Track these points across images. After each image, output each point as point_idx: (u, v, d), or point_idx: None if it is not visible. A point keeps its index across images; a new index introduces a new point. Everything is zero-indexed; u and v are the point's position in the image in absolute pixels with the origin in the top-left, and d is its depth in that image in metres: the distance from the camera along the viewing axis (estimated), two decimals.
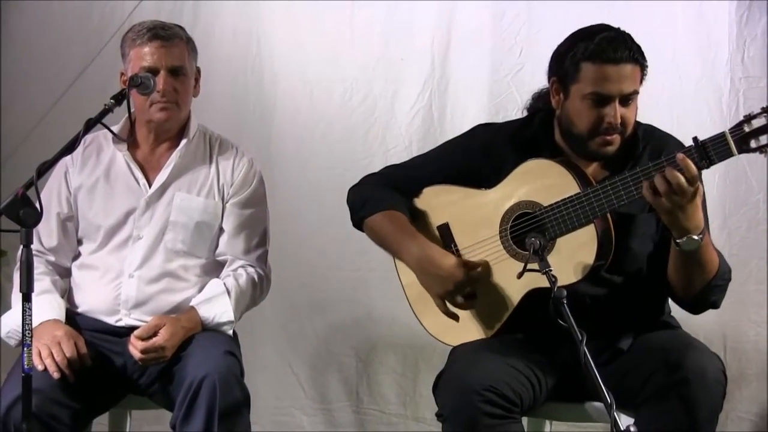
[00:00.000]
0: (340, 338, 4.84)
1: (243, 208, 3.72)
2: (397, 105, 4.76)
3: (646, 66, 3.20)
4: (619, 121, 3.18)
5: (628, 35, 3.20)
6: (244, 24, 4.88)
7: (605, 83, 3.16)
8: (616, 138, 3.22)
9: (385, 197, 3.51)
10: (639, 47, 3.18)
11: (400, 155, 4.57)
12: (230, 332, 3.62)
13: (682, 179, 2.92)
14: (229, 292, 3.61)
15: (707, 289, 3.18)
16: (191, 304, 3.60)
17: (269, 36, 4.87)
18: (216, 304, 3.59)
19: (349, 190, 3.61)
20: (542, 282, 2.99)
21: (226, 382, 3.32)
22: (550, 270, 2.91)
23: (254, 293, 3.70)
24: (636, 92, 3.19)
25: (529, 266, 3.05)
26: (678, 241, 3.04)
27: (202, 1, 4.87)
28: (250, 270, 3.70)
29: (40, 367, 3.36)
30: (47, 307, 3.53)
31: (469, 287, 3.29)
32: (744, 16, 4.34)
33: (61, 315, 3.56)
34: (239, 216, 3.70)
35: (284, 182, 4.77)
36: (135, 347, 3.45)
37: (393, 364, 4.76)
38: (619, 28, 3.22)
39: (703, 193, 3.16)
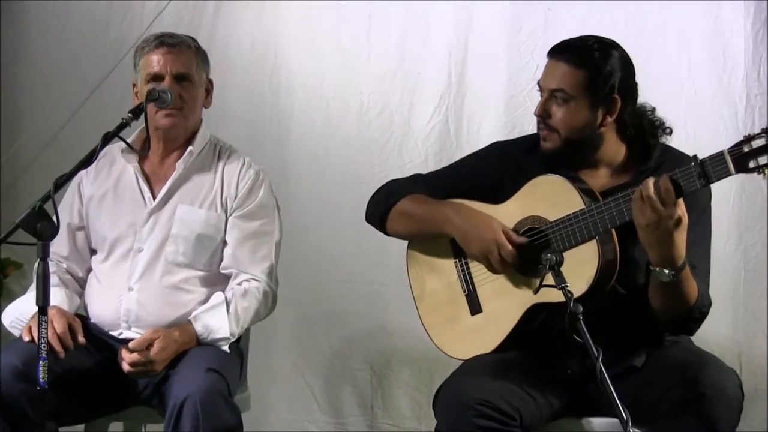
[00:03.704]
0: (354, 351, 4.83)
1: (248, 221, 3.68)
2: (413, 119, 4.75)
3: (600, 79, 3.25)
4: (539, 112, 3.31)
5: (596, 45, 3.30)
6: (261, 36, 4.90)
7: (541, 75, 3.34)
8: (548, 135, 3.31)
9: (411, 187, 3.57)
10: (598, 57, 3.26)
11: (416, 169, 4.54)
12: (226, 348, 3.55)
13: (653, 193, 2.94)
14: (228, 307, 3.55)
15: (681, 318, 3.17)
16: (189, 317, 3.55)
17: (287, 49, 4.88)
18: (213, 318, 3.53)
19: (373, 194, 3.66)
20: (545, 298, 3.07)
21: (209, 402, 3.23)
22: (566, 285, 2.91)
23: (258, 308, 3.63)
24: (562, 91, 3.26)
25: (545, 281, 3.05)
26: (651, 268, 3.06)
27: (220, 14, 4.88)
28: (255, 284, 3.64)
29: (26, 338, 3.38)
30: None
31: (507, 254, 3.29)
32: (760, 32, 4.33)
33: (61, 304, 3.53)
34: (244, 229, 3.66)
35: (300, 194, 4.77)
36: (124, 359, 3.41)
37: (407, 378, 4.74)
38: (600, 40, 3.34)
39: (707, 225, 3.26)
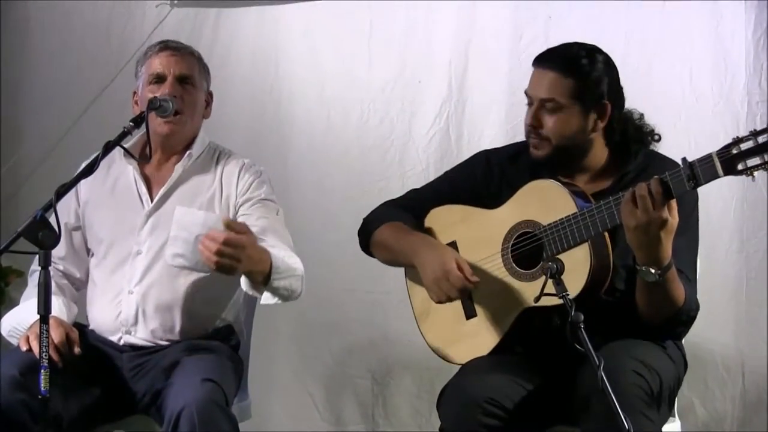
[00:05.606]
0: (355, 360, 4.83)
1: (262, 208, 3.60)
2: (414, 127, 4.76)
3: (590, 86, 3.26)
4: (531, 122, 3.31)
5: (582, 52, 3.29)
6: (262, 45, 4.91)
7: (529, 85, 3.34)
8: (539, 143, 3.33)
9: (391, 214, 3.58)
10: (586, 63, 3.26)
11: (416, 177, 4.58)
12: (298, 285, 3.42)
13: (646, 193, 2.95)
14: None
15: (669, 321, 3.17)
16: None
17: (288, 57, 4.89)
18: (282, 253, 3.37)
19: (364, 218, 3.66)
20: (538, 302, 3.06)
21: (206, 412, 3.18)
22: (567, 294, 2.91)
23: (301, 274, 3.46)
24: (553, 100, 3.27)
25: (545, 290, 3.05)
26: (637, 267, 3.07)
27: (221, 22, 4.90)
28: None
29: (24, 348, 3.35)
30: None
31: (461, 287, 3.28)
32: (761, 39, 4.33)
33: (59, 314, 3.49)
34: (262, 212, 3.58)
35: (301, 203, 4.77)
36: (215, 240, 3.07)
37: (409, 387, 4.75)
38: (584, 46, 3.33)
39: (694, 230, 3.26)
